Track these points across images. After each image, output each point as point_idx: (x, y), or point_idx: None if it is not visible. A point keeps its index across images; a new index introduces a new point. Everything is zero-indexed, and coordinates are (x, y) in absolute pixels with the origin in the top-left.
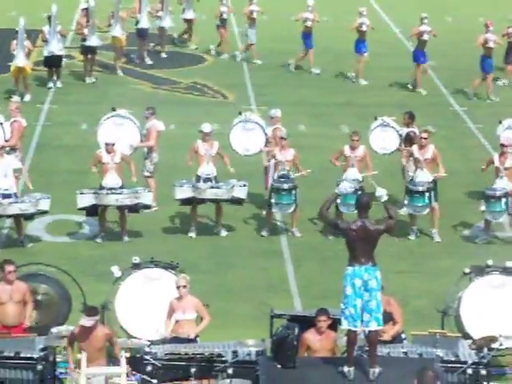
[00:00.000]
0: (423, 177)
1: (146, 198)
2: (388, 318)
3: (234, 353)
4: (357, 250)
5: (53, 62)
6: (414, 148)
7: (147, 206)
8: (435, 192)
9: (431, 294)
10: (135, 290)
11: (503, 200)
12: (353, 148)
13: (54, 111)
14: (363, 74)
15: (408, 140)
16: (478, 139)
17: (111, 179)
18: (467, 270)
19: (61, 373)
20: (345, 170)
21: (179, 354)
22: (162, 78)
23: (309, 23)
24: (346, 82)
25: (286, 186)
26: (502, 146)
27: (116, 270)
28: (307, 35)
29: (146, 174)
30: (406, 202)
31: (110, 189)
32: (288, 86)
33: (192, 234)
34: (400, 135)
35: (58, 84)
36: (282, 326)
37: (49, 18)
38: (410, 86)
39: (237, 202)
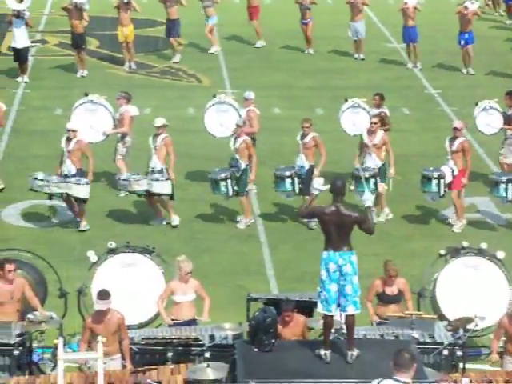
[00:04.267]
0: (371, 162)
1: (77, 190)
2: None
3: (211, 337)
4: (331, 234)
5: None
6: (364, 132)
7: (79, 199)
8: (383, 174)
9: (406, 275)
10: (111, 274)
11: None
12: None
13: (27, 96)
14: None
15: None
16: (452, 122)
17: (65, 167)
18: (443, 252)
19: (39, 359)
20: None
21: (156, 338)
22: (137, 63)
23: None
24: (319, 65)
25: (220, 176)
26: (456, 129)
27: (92, 255)
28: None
29: (118, 157)
30: (352, 187)
31: (65, 176)
32: (262, 69)
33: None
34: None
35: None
36: (259, 310)
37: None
38: (409, 66)
39: (159, 195)
